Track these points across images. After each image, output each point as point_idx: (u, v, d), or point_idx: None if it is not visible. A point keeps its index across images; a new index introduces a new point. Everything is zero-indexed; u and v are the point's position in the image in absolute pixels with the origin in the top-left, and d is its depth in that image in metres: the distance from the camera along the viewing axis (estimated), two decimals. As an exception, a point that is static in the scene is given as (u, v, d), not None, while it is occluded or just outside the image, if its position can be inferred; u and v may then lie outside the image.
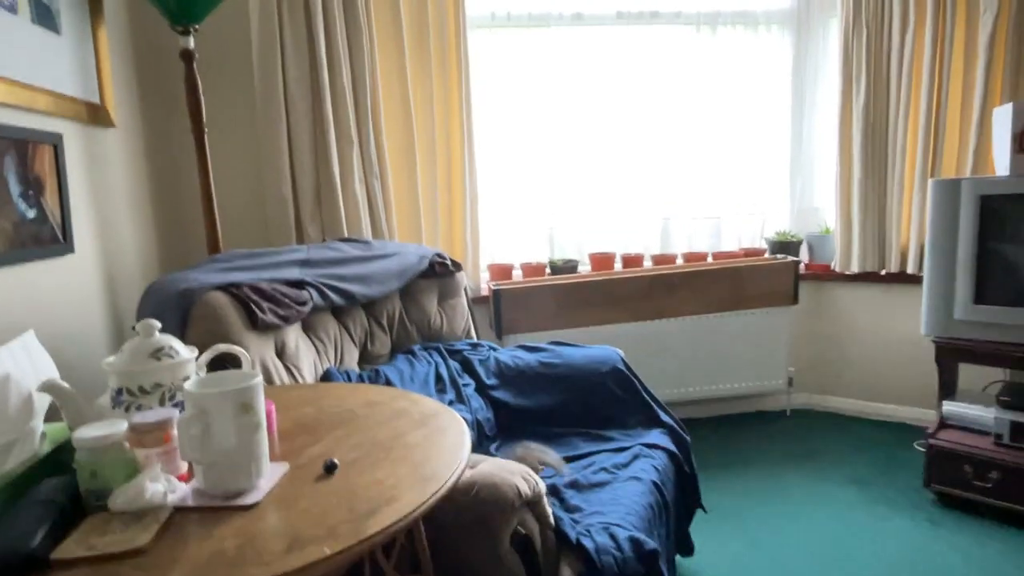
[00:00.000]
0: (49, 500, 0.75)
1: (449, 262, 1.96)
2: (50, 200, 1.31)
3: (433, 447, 0.96)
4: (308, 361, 1.49)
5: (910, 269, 2.38)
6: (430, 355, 1.78)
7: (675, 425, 1.69)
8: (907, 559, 1.63)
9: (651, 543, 1.20)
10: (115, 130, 1.67)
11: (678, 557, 1.60)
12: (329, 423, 1.05)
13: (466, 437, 0.99)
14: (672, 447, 1.60)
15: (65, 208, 1.36)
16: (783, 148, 2.63)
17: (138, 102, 1.81)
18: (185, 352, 0.95)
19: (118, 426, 0.83)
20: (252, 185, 2.08)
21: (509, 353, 1.86)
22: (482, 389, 1.74)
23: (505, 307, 2.29)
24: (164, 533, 0.76)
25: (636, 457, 1.51)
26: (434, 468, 0.89)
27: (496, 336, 2.30)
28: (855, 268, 2.45)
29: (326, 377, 1.51)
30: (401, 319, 1.84)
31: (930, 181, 1.97)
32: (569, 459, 1.53)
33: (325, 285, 1.58)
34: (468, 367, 1.79)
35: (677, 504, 1.58)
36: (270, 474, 0.88)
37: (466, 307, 2.00)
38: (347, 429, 1.03)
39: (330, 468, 0.88)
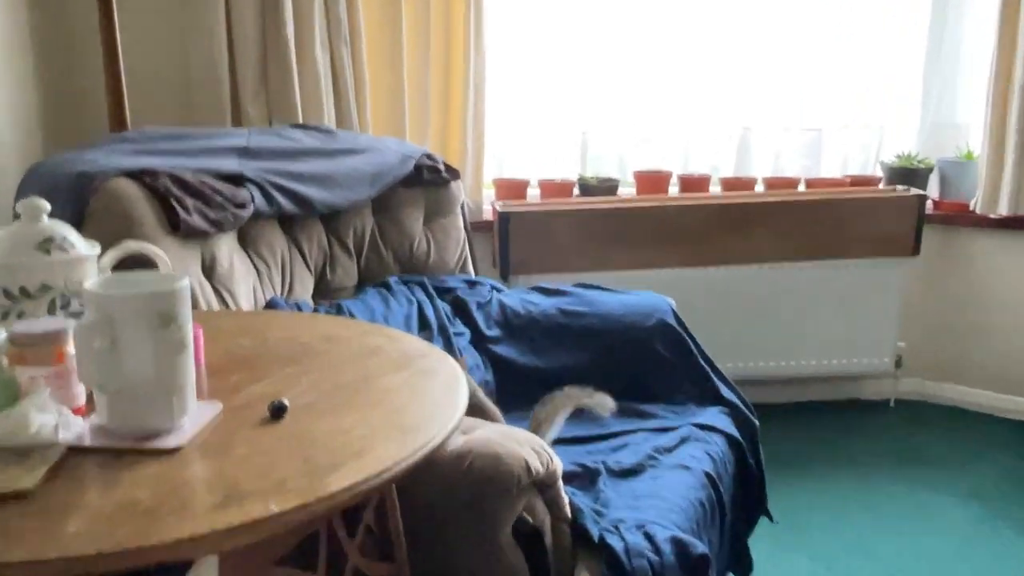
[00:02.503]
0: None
1: (442, 167, 1.94)
2: None
3: (416, 393, 0.97)
4: (245, 286, 1.49)
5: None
6: (411, 291, 1.78)
7: (740, 403, 1.69)
8: (1038, 595, 1.67)
9: (700, 546, 1.21)
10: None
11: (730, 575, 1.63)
12: (275, 359, 1.07)
13: (462, 384, 1.00)
14: (734, 431, 1.61)
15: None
16: (916, 42, 2.56)
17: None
18: (83, 246, 0.95)
19: (-8, 336, 0.83)
20: (173, 46, 2.04)
21: (519, 296, 1.87)
22: (480, 341, 1.75)
23: (516, 237, 2.28)
24: (54, 478, 0.77)
25: (685, 440, 1.52)
26: (417, 419, 0.90)
27: (501, 276, 2.31)
28: (1004, 210, 2.41)
29: (270, 307, 1.53)
30: (373, 240, 1.84)
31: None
32: (595, 439, 1.55)
33: (271, 184, 1.58)
34: (462, 311, 1.79)
35: (735, 506, 1.60)
36: (197, 415, 0.88)
37: (462, 231, 2.00)
38: (300, 367, 1.04)
39: (278, 411, 0.89)
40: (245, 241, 1.58)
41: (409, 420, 0.90)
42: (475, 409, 1.42)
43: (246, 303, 1.46)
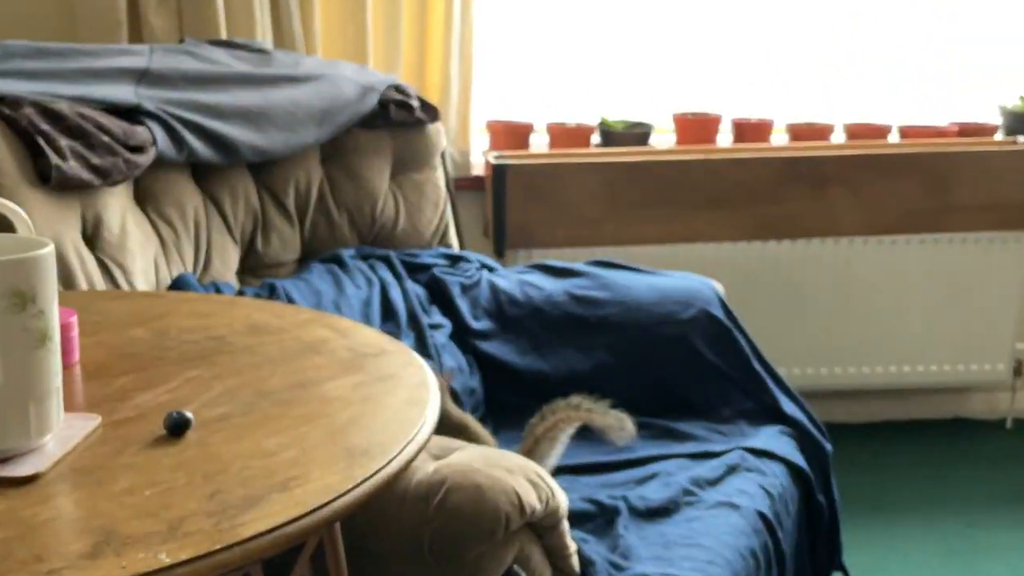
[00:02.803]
0: None
1: (416, 103, 1.93)
2: None
3: (370, 405, 0.96)
4: (143, 258, 1.49)
5: None
6: (372, 269, 1.77)
7: (807, 422, 1.70)
8: None
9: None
10: None
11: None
12: (179, 357, 1.07)
13: (432, 393, 0.99)
14: (799, 459, 1.62)
15: None
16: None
17: None
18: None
19: None
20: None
21: (517, 277, 1.87)
22: (464, 337, 1.75)
23: (515, 199, 2.27)
24: None
25: (733, 470, 1.53)
26: (369, 438, 0.89)
27: (495, 251, 2.29)
28: None
29: (177, 288, 1.52)
30: (322, 200, 1.83)
31: None
32: (613, 467, 1.55)
33: (180, 120, 1.56)
34: (441, 296, 1.79)
35: (799, 558, 1.61)
36: (65, 432, 0.87)
37: (443, 190, 2.00)
38: (212, 368, 1.04)
39: (177, 426, 0.88)
40: (144, 198, 1.56)
41: (357, 440, 0.89)
42: (453, 427, 1.41)
43: (143, 282, 1.45)
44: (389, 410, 0.96)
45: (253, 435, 0.89)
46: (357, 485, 0.80)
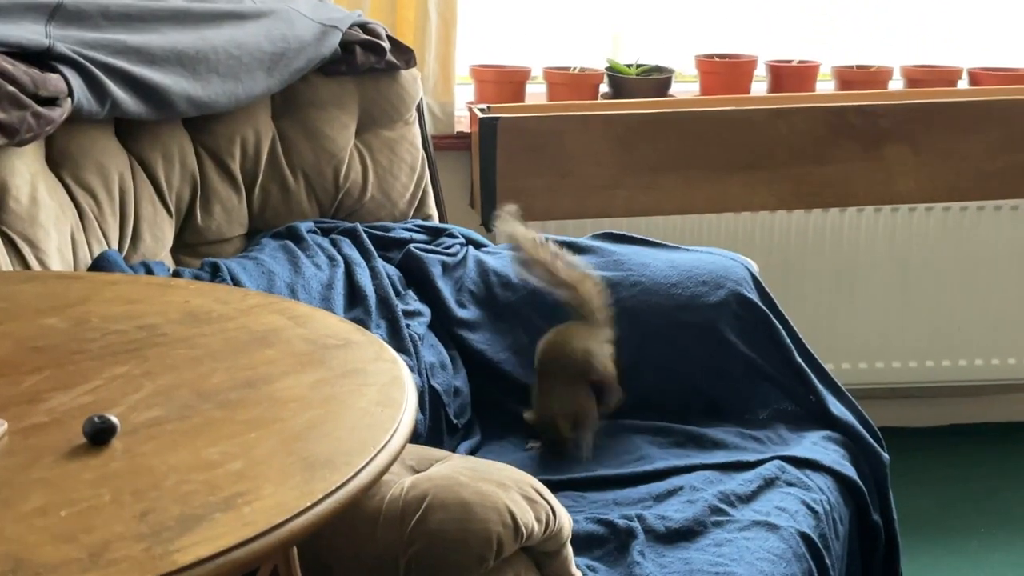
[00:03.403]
0: None
1: (387, 45, 1.93)
2: None
3: (333, 406, 0.98)
4: (58, 232, 1.48)
5: None
6: (335, 246, 1.78)
7: (859, 426, 1.70)
8: None
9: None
10: None
11: None
12: (102, 350, 1.07)
13: (408, 394, 0.99)
14: (849, 470, 1.63)
15: None
16: None
17: None
18: None
19: None
20: None
21: (510, 255, 1.86)
22: (446, 326, 1.76)
23: (507, 160, 2.27)
24: None
25: (771, 483, 1.54)
26: (330, 446, 0.90)
27: (483, 223, 2.30)
28: None
29: (99, 268, 1.51)
30: (274, 162, 1.83)
31: None
32: (627, 481, 1.56)
33: (101, 66, 1.55)
34: (418, 277, 1.80)
35: None
36: None
37: (419, 150, 2.00)
38: (142, 363, 1.04)
39: (100, 433, 0.88)
40: (58, 161, 1.56)
41: (317, 449, 0.90)
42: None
43: (59, 261, 1.45)
44: (355, 413, 0.96)
45: (192, 443, 0.89)
46: (317, 502, 0.81)
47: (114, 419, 0.88)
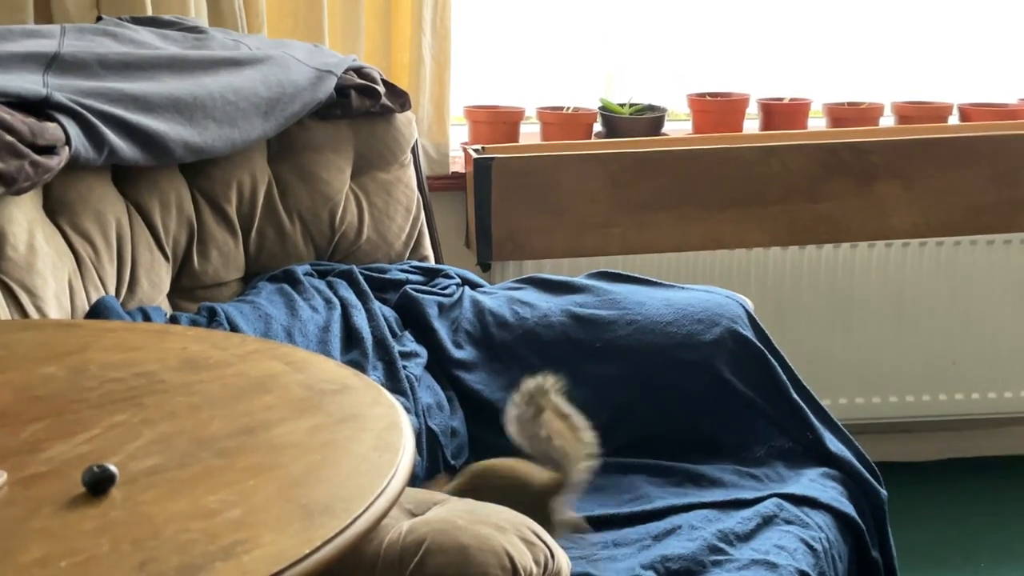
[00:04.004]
0: None
1: (382, 88, 1.94)
2: None
3: (331, 452, 0.97)
4: (56, 279, 1.48)
5: None
6: (332, 288, 1.78)
7: (855, 462, 1.70)
8: None
9: None
10: None
11: None
12: (101, 399, 1.06)
13: (406, 439, 0.99)
14: (848, 507, 1.62)
15: None
16: None
17: None
18: None
19: None
20: None
21: (506, 295, 1.88)
22: (443, 367, 1.76)
23: (502, 200, 2.28)
24: None
25: (769, 521, 1.53)
26: (328, 493, 0.90)
27: (479, 263, 2.31)
28: None
29: (97, 314, 1.51)
30: (270, 206, 1.84)
31: None
32: (625, 520, 1.56)
33: (99, 114, 1.56)
34: (415, 319, 1.80)
35: None
36: None
37: (415, 192, 2.01)
38: (140, 412, 1.04)
39: (99, 483, 0.88)
40: (56, 208, 1.56)
41: (316, 495, 0.89)
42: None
43: (56, 308, 1.45)
44: (353, 458, 0.96)
45: (191, 492, 0.88)
46: (316, 549, 0.80)
47: (113, 468, 0.88)
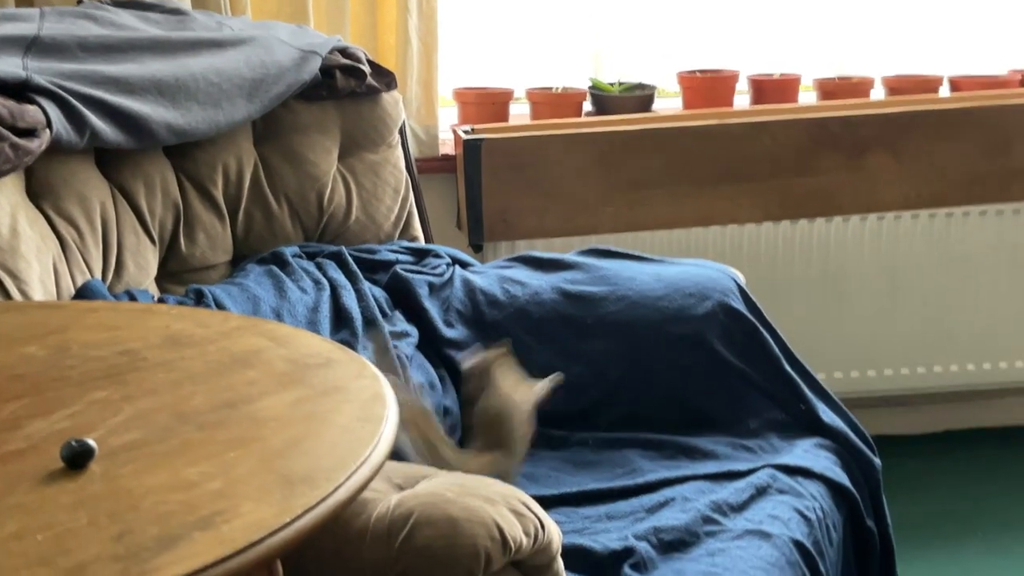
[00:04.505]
0: None
1: (367, 69, 1.93)
2: None
3: (314, 424, 0.97)
4: (40, 263, 1.48)
5: None
6: (320, 269, 1.78)
7: (849, 433, 1.70)
8: None
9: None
10: None
11: None
12: (82, 377, 1.06)
13: (389, 409, 0.99)
14: (842, 477, 1.63)
15: None
16: None
17: None
18: None
19: None
20: None
21: (496, 273, 1.88)
22: (434, 346, 1.76)
23: (492, 180, 2.28)
24: None
25: (763, 492, 1.53)
26: (310, 463, 0.90)
27: (471, 244, 2.31)
28: None
29: (82, 298, 1.51)
30: (257, 188, 1.83)
31: None
32: (618, 494, 1.56)
33: (80, 97, 1.55)
34: (405, 298, 1.80)
35: None
36: None
37: (403, 172, 2.00)
38: (121, 388, 1.04)
39: (77, 457, 0.87)
40: (39, 192, 1.56)
41: (297, 466, 0.89)
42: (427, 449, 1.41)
43: (41, 291, 1.44)
44: (336, 429, 0.96)
45: (170, 464, 0.88)
46: (297, 518, 0.80)
47: (91, 442, 0.88)
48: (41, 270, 1.46)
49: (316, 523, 0.81)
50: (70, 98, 1.52)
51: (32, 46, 1.56)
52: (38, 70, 1.53)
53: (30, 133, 1.45)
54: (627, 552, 1.38)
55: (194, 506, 0.81)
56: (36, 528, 0.78)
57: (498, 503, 1.14)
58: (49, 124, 1.48)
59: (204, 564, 0.74)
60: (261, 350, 1.12)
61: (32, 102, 1.49)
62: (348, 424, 0.96)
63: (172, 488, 0.84)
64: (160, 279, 1.71)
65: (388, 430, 0.95)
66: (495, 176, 2.28)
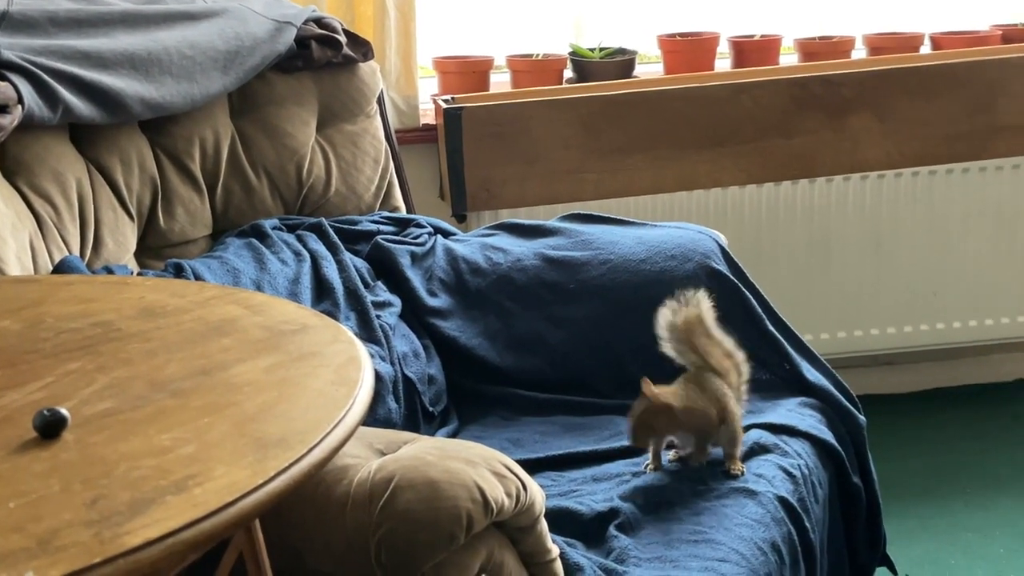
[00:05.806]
0: None
1: (343, 39, 1.92)
2: None
3: (288, 389, 0.98)
4: (15, 240, 1.47)
5: None
6: (301, 241, 1.78)
7: (833, 391, 1.71)
8: None
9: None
10: None
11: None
12: (56, 348, 1.07)
13: (364, 372, 0.99)
14: (827, 435, 1.63)
15: None
16: None
17: None
18: None
19: None
20: None
21: (479, 241, 1.88)
22: (417, 315, 1.76)
23: (473, 149, 2.27)
24: None
25: (748, 451, 1.54)
26: (284, 427, 0.90)
27: (454, 214, 2.31)
28: None
29: (60, 274, 1.50)
30: (235, 161, 1.83)
31: None
32: (603, 456, 1.56)
33: (51, 72, 1.54)
34: (387, 268, 1.80)
35: (832, 551, 1.62)
36: None
37: (383, 143, 2.00)
38: (95, 359, 1.04)
39: (50, 426, 0.88)
40: (13, 169, 1.55)
41: (271, 429, 0.89)
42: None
43: (17, 268, 1.44)
44: (310, 393, 0.96)
45: (144, 431, 0.88)
46: (270, 480, 0.80)
47: (64, 411, 0.88)
48: (17, 247, 1.45)
49: (289, 485, 0.81)
50: (42, 73, 1.51)
51: (1, 22, 1.55)
52: (8, 46, 1.52)
53: (1, 110, 1.45)
54: (613, 513, 1.39)
55: (167, 471, 0.82)
56: (8, 496, 0.78)
57: (479, 465, 1.14)
58: (21, 100, 1.47)
59: (177, 526, 0.74)
60: (236, 318, 1.12)
61: (3, 78, 1.48)
62: (323, 388, 0.96)
63: (145, 454, 0.84)
64: (139, 255, 1.71)
65: (363, 393, 0.95)
66: (477, 145, 2.27)
